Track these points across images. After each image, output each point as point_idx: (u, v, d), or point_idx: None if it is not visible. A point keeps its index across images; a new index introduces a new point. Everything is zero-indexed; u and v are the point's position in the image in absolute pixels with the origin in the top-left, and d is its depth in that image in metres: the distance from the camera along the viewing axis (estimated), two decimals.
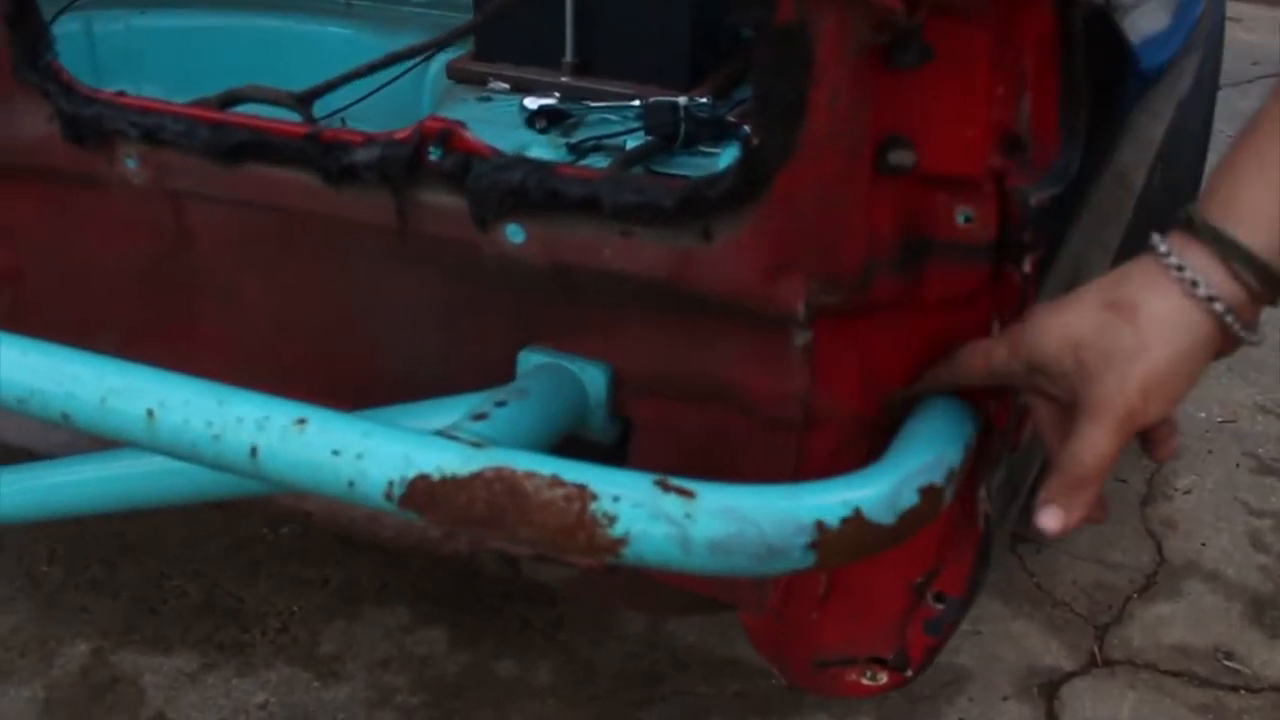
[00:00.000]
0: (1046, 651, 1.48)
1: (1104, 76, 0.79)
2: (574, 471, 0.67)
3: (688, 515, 0.66)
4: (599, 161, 1.28)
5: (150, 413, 0.73)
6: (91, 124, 0.82)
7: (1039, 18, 0.74)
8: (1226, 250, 0.62)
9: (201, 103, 0.83)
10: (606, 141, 1.32)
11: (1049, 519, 0.69)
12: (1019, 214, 0.77)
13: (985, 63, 0.74)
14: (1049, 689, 1.43)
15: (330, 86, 1.06)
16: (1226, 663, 1.46)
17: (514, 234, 0.76)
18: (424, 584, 1.53)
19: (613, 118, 1.34)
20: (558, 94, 1.36)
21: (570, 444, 0.91)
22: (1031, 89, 0.76)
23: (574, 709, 1.39)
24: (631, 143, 1.26)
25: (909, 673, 0.97)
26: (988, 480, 0.87)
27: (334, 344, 0.91)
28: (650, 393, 0.86)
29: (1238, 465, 1.78)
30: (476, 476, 0.67)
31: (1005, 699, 1.42)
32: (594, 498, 0.66)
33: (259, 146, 0.79)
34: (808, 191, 0.71)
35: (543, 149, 1.31)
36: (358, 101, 1.69)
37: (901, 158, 0.75)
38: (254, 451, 0.71)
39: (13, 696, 1.35)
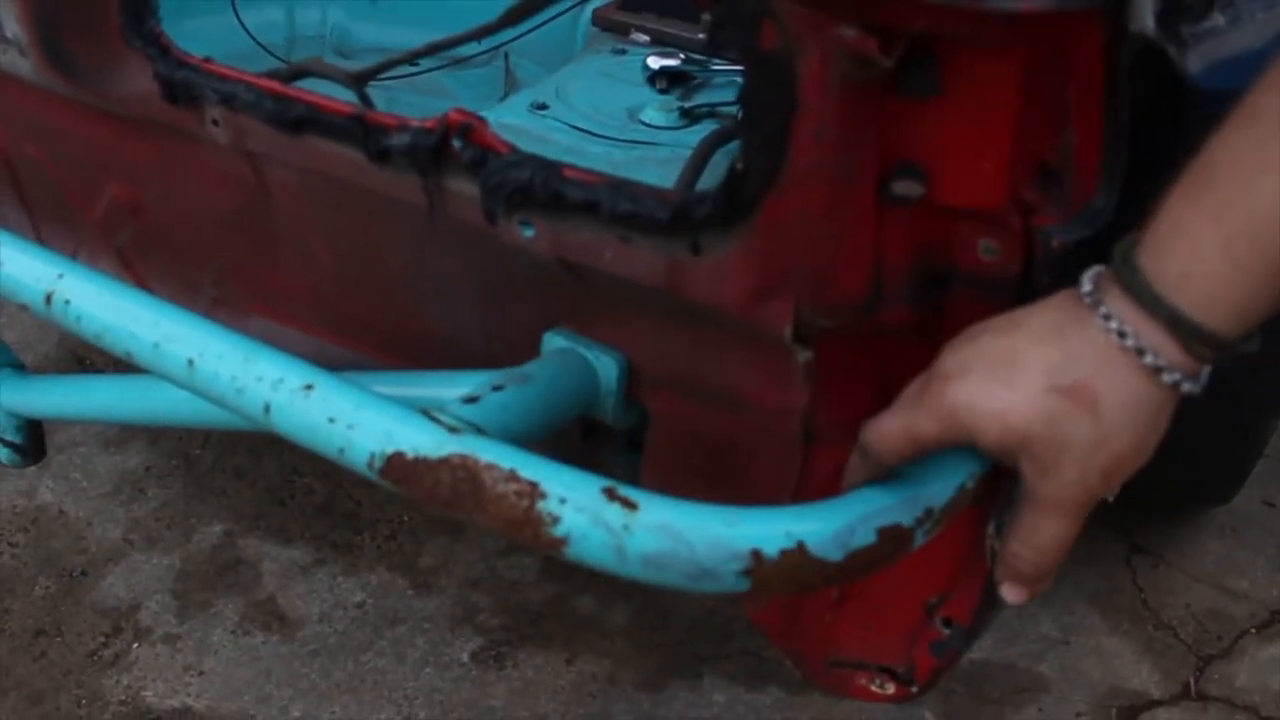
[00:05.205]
0: (1136, 674, 1.42)
1: (1155, 110, 0.74)
2: (532, 468, 0.70)
3: (625, 526, 0.68)
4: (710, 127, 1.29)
5: (190, 362, 0.81)
6: (183, 86, 0.90)
7: (1088, 49, 0.70)
8: (1184, 331, 0.59)
9: (272, 74, 0.90)
10: (721, 109, 1.32)
11: (1015, 594, 0.71)
12: (1041, 254, 0.74)
13: (1011, 94, 0.70)
14: (1128, 714, 1.37)
15: (385, 67, 1.11)
16: None
17: (524, 229, 0.79)
18: None
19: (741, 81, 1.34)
20: (684, 55, 1.36)
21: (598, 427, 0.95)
22: (1075, 123, 0.71)
23: (641, 654, 1.45)
24: None
25: (914, 689, 0.96)
26: (997, 517, 0.84)
27: (387, 304, 0.97)
28: (663, 386, 0.88)
29: None
30: (444, 461, 0.72)
31: (1078, 716, 1.37)
32: (542, 496, 0.69)
33: (314, 122, 0.85)
34: (795, 219, 0.70)
35: (656, 111, 1.32)
36: (518, 38, 1.74)
37: (907, 188, 0.72)
38: (267, 408, 0.78)
39: (155, 563, 1.54)
